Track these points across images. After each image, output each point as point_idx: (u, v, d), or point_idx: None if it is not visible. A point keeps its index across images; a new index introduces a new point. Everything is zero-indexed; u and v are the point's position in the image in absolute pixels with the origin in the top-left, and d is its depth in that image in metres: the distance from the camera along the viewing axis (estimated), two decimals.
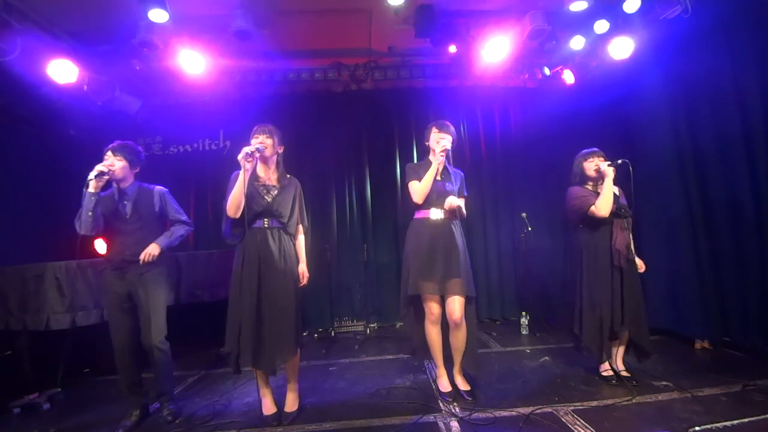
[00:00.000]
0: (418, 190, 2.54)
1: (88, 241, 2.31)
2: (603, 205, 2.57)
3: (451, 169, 2.66)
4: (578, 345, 2.81)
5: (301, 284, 2.42)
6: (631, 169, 2.61)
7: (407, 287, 2.55)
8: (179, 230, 2.56)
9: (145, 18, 3.19)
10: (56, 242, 3.24)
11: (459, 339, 2.52)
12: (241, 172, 2.18)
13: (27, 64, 3.24)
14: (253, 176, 2.36)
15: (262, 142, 2.30)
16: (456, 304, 2.45)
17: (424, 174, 2.54)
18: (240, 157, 2.16)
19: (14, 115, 3.93)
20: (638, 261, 2.72)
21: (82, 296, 2.87)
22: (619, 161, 2.63)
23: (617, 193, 2.73)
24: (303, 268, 2.46)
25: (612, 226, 2.63)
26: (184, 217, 2.60)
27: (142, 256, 2.36)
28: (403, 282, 2.63)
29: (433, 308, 2.53)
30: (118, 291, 2.37)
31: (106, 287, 2.44)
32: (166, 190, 2.59)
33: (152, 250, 2.39)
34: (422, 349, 2.69)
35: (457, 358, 2.59)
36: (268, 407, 2.41)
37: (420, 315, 2.64)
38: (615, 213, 2.61)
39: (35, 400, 2.78)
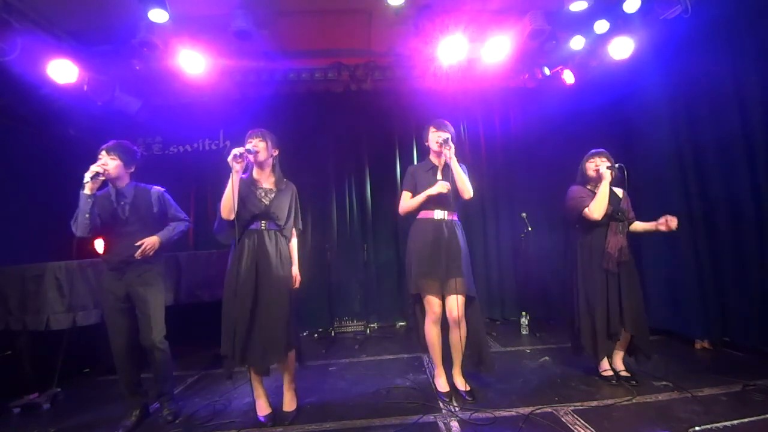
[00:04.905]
0: (405, 205, 2.63)
1: (87, 241, 2.30)
2: (596, 208, 2.57)
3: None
4: (576, 345, 2.82)
5: (294, 287, 2.43)
6: (626, 173, 2.61)
7: (410, 286, 2.57)
8: (180, 226, 2.59)
9: (145, 18, 3.19)
10: (56, 242, 3.23)
11: (458, 337, 2.52)
12: (232, 173, 2.19)
13: (27, 64, 3.24)
14: (250, 180, 2.38)
15: (255, 145, 2.32)
16: (456, 303, 2.46)
17: (422, 179, 2.59)
18: (229, 158, 2.17)
19: (14, 115, 3.92)
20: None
21: (82, 296, 2.87)
22: (616, 165, 2.63)
23: (621, 196, 2.72)
24: (296, 270, 2.48)
25: (608, 228, 2.63)
26: (183, 215, 2.64)
27: (143, 245, 2.35)
28: (407, 281, 2.64)
29: (434, 307, 2.53)
30: (116, 292, 2.37)
31: (103, 289, 2.44)
32: (164, 189, 2.59)
33: (152, 240, 2.40)
34: (423, 348, 2.69)
35: (457, 358, 2.59)
36: (263, 408, 2.40)
37: (423, 314, 2.65)
38: (611, 216, 2.61)
39: (35, 400, 2.78)
